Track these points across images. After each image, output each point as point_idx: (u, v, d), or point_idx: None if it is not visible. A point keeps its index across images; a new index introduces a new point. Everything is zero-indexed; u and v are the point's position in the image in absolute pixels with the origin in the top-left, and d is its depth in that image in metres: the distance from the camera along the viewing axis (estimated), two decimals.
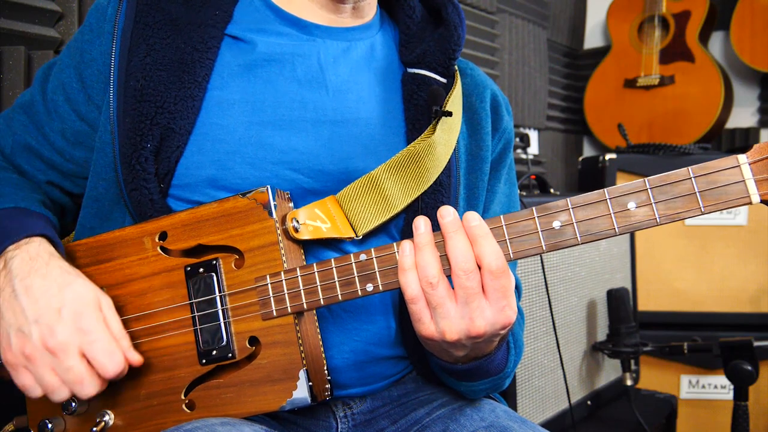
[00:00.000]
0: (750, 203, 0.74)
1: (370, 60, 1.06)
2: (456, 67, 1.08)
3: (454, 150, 1.02)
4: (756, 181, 0.74)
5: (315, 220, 0.92)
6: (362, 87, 1.03)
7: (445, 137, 1.00)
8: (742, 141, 3.32)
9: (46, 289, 0.85)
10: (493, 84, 1.14)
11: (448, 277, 0.80)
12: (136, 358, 0.88)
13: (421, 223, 0.81)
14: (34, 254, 0.88)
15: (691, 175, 0.75)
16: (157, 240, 0.91)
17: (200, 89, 0.95)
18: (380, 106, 1.03)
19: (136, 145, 0.92)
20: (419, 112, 1.02)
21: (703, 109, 3.09)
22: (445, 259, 0.80)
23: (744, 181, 0.74)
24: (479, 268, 0.79)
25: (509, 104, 1.15)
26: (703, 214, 0.75)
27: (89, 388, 0.84)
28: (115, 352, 0.85)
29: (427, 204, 0.98)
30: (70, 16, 1.51)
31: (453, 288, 0.80)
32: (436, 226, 0.82)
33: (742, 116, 3.36)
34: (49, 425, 0.94)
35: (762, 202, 0.74)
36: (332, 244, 0.95)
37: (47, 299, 0.84)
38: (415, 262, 0.80)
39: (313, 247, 0.94)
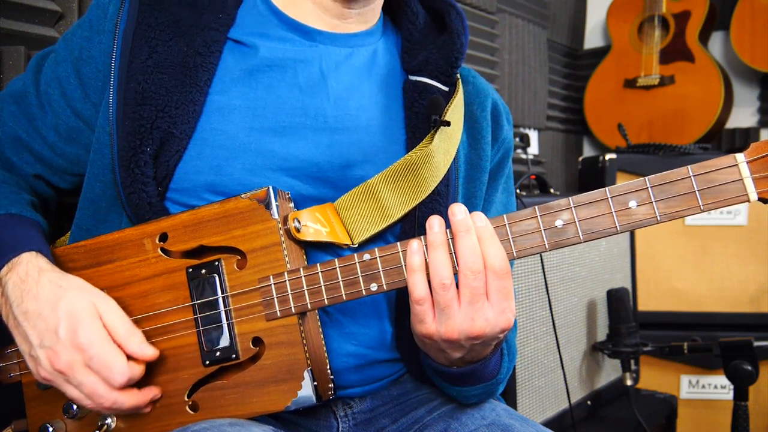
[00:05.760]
0: (748, 201, 0.75)
1: (372, 67, 1.05)
2: (458, 75, 1.07)
3: (454, 159, 1.01)
4: (754, 179, 0.75)
5: (315, 223, 0.92)
6: (363, 94, 1.02)
7: (444, 146, 0.99)
8: (742, 141, 3.32)
9: (40, 311, 0.84)
10: (495, 92, 1.13)
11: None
12: (150, 353, 0.87)
13: (435, 222, 0.81)
14: (24, 275, 0.87)
15: (691, 174, 0.76)
16: (157, 241, 0.91)
17: (202, 93, 0.95)
18: (381, 113, 1.02)
19: (135, 148, 0.92)
20: (419, 120, 1.01)
21: (703, 109, 3.09)
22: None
23: (742, 179, 0.75)
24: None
25: (510, 114, 1.14)
26: (702, 211, 0.76)
27: (104, 399, 0.84)
28: (114, 363, 0.83)
29: (424, 213, 0.97)
30: (70, 16, 1.51)
31: (458, 287, 0.80)
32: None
33: (742, 116, 3.36)
34: (50, 429, 0.94)
35: (759, 199, 0.75)
36: (329, 248, 0.95)
37: (43, 322, 0.84)
38: (424, 262, 0.80)
39: (311, 251, 0.93)
